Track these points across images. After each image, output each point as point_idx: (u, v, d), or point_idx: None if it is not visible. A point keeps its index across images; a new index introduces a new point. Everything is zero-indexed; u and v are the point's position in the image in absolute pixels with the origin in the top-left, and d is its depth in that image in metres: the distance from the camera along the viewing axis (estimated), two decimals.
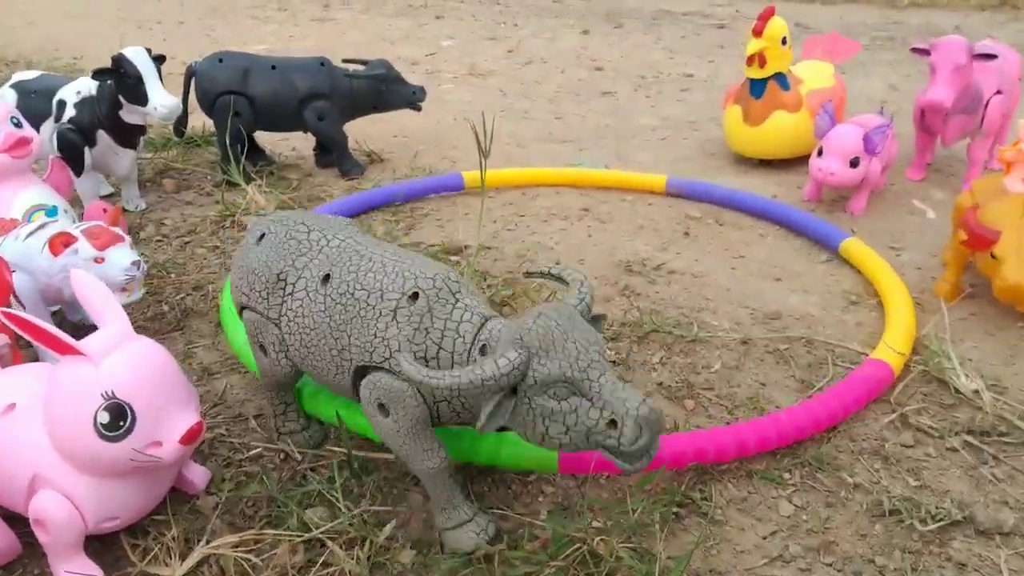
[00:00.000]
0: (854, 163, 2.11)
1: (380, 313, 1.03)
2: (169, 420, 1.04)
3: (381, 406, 1.06)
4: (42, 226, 1.52)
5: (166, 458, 1.03)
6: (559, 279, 1.10)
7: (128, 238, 1.52)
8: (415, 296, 1.03)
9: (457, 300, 1.03)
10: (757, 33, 2.38)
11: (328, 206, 2.20)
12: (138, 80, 1.98)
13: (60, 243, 1.45)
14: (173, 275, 1.89)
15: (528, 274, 1.18)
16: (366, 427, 1.26)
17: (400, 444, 1.08)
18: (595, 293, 1.77)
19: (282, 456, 1.29)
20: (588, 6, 6.64)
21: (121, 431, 1.00)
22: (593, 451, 0.95)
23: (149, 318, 1.70)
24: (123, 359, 1.03)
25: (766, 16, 2.37)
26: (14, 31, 5.61)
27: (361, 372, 1.08)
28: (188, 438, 1.04)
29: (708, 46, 4.85)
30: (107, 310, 1.08)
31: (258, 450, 1.31)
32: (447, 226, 2.19)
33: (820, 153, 2.15)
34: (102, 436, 0.99)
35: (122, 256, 1.48)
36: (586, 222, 2.22)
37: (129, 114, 2.06)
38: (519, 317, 1.00)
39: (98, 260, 1.46)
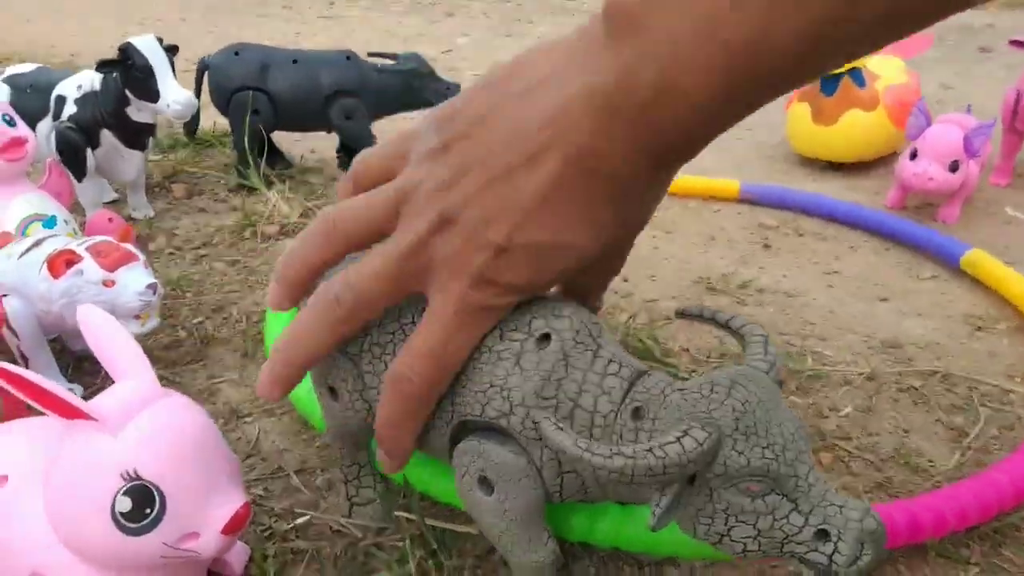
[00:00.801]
0: (953, 167, 1.88)
1: (499, 357, 0.79)
2: (208, 504, 0.79)
3: (484, 480, 0.82)
4: (39, 242, 1.28)
5: (205, 553, 0.79)
6: (728, 328, 0.85)
7: (142, 256, 1.28)
8: (545, 338, 0.78)
9: (599, 347, 0.78)
10: None
11: None
12: (148, 73, 1.74)
13: (62, 263, 1.21)
14: (189, 294, 1.65)
15: (681, 314, 0.93)
16: (448, 492, 1.02)
17: (503, 530, 0.83)
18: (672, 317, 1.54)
19: (335, 528, 1.05)
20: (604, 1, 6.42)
21: (147, 521, 0.75)
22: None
23: (164, 347, 1.46)
24: (148, 426, 0.78)
25: None
26: (9, 28, 5.36)
27: (460, 431, 0.84)
28: (233, 526, 0.79)
29: None
30: (126, 358, 0.83)
31: (306, 518, 1.07)
32: None
33: (913, 156, 1.92)
34: (123, 528, 0.75)
35: (136, 278, 1.24)
36: (649, 231, 1.98)
37: (137, 111, 1.81)
38: (683, 379, 0.75)
39: (107, 283, 1.22)
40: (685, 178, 2.20)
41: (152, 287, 1.24)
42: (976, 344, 1.45)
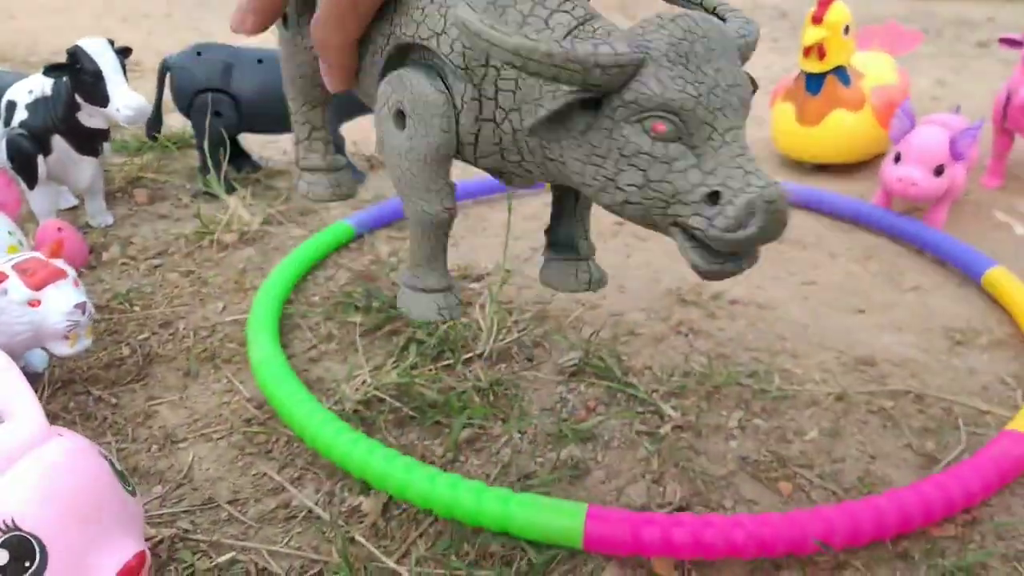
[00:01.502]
0: (938, 171, 1.80)
1: None
2: (99, 554, 0.73)
3: (400, 115, 0.78)
4: None
5: None
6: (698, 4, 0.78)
7: (72, 273, 1.21)
8: None
9: None
10: (817, 20, 2.07)
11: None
12: (97, 76, 1.67)
13: None
14: (137, 307, 1.59)
15: None
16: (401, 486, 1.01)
17: (404, 171, 0.79)
18: (643, 330, 1.47)
19: (261, 566, 0.99)
20: None
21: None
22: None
23: (104, 365, 1.39)
24: (31, 472, 0.72)
25: (827, 1, 2.06)
26: None
27: (394, 65, 0.80)
28: None
29: None
30: (10, 396, 0.77)
31: (231, 555, 1.01)
32: (461, 244, 1.88)
33: (897, 159, 1.85)
34: None
35: (63, 297, 1.17)
36: (622, 239, 1.91)
37: (89, 116, 1.75)
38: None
39: (33, 303, 1.16)
40: None
41: (81, 306, 1.18)
42: (955, 360, 1.38)
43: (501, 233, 1.94)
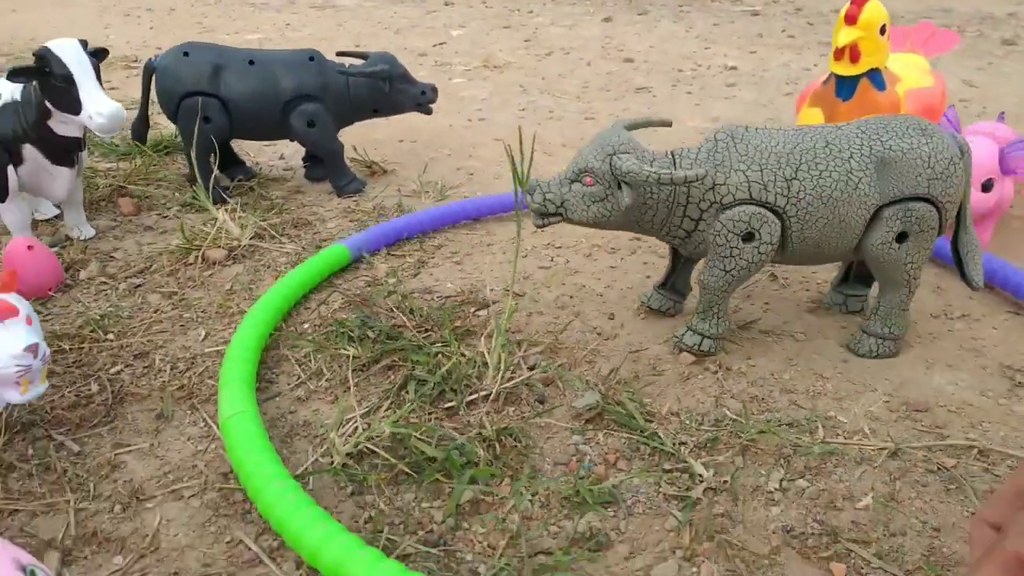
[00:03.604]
0: (986, 186, 1.65)
1: None
2: None
3: None
4: None
5: None
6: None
7: (25, 310, 1.08)
8: None
9: None
10: (851, 20, 1.91)
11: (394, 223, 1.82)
12: (68, 81, 1.52)
13: None
14: (112, 335, 1.45)
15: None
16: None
17: None
18: (667, 367, 1.33)
19: None
20: None
21: None
22: None
23: (69, 405, 1.26)
24: None
25: (862, 0, 1.91)
26: None
27: None
28: None
29: (747, 35, 4.37)
30: None
31: None
32: (465, 262, 1.74)
33: None
34: None
35: (12, 339, 1.03)
36: (640, 256, 1.76)
37: (61, 124, 1.61)
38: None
39: None
40: None
41: (32, 349, 1.04)
42: (1017, 406, 1.23)
43: (509, 248, 1.79)
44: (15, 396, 1.06)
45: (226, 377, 1.21)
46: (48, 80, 1.53)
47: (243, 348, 1.29)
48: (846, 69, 1.98)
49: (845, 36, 1.92)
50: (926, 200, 1.22)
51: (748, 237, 1.22)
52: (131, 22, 5.11)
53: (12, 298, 1.07)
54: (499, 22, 4.92)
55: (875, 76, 1.99)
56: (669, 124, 1.41)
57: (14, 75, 1.51)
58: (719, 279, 1.26)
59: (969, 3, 5.37)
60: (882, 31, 1.95)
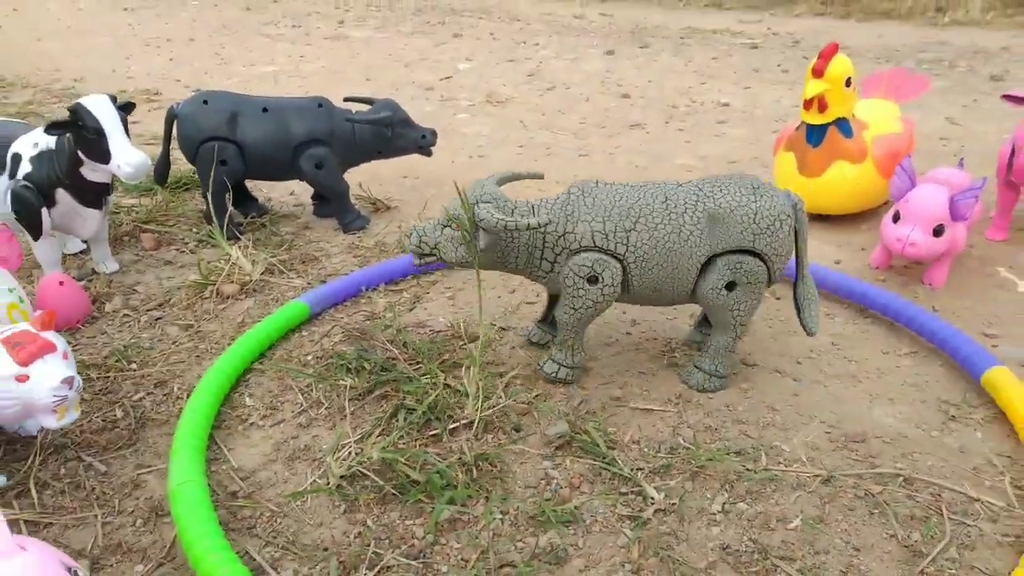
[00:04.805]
0: (938, 231, 1.79)
1: None
2: None
3: None
4: None
5: None
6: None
7: (62, 345, 1.23)
8: None
9: None
10: (818, 73, 2.06)
11: None
12: (99, 134, 1.69)
13: None
14: (135, 365, 1.60)
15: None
16: None
17: None
18: (634, 399, 1.47)
19: None
20: (612, 23, 6.34)
21: None
22: None
23: (97, 429, 1.41)
24: None
25: (828, 54, 2.06)
26: (19, 48, 5.40)
27: None
28: None
29: (743, 69, 4.53)
30: None
31: None
32: (458, 297, 1.89)
33: (896, 218, 1.84)
34: None
35: (51, 372, 1.19)
36: None
37: (91, 171, 1.78)
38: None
39: (20, 378, 1.17)
40: None
41: (68, 381, 1.19)
42: (947, 438, 1.36)
43: (501, 284, 1.94)
44: (51, 423, 1.21)
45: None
46: (81, 133, 1.70)
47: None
48: (815, 118, 2.13)
49: (812, 88, 2.08)
50: (753, 254, 1.37)
51: (592, 280, 1.39)
52: (151, 52, 5.32)
53: (51, 335, 1.23)
54: (505, 55, 5.10)
55: (842, 124, 2.15)
56: (541, 177, 1.61)
57: (51, 129, 1.68)
58: (570, 316, 1.43)
59: (965, 35, 5.51)
60: (847, 83, 2.10)
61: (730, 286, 1.38)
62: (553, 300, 1.61)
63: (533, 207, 1.43)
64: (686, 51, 5.16)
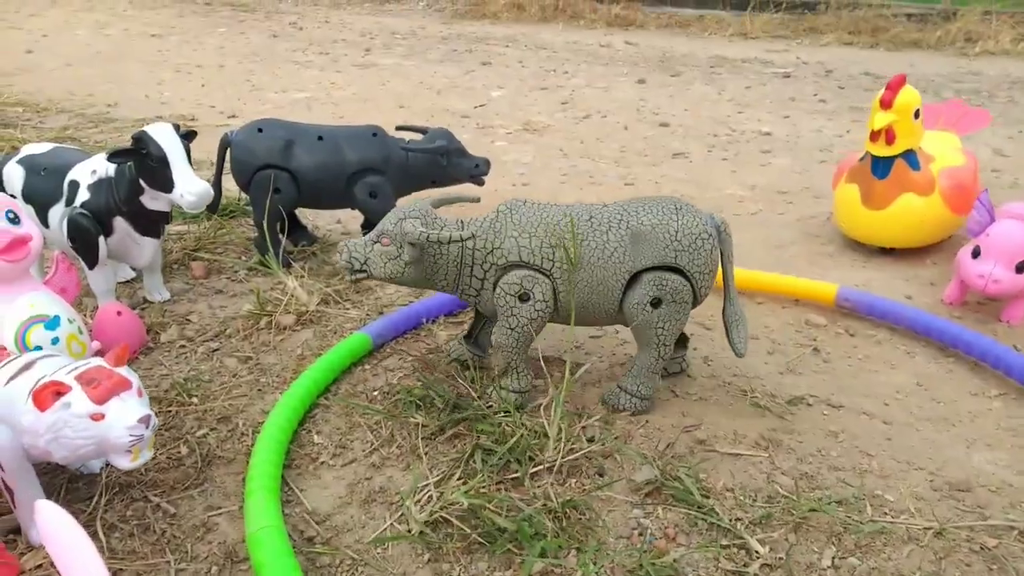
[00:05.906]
0: (1020, 267, 1.73)
1: None
2: None
3: None
4: (29, 364, 1.20)
5: None
6: None
7: (136, 382, 1.18)
8: None
9: None
10: (886, 105, 2.01)
11: None
12: (163, 163, 1.66)
13: (49, 394, 1.11)
14: (195, 399, 1.55)
15: None
16: None
17: None
18: (719, 443, 1.40)
19: None
20: (639, 52, 6.33)
21: None
22: None
23: (162, 468, 1.36)
24: None
25: (896, 85, 2.01)
26: (50, 74, 5.43)
27: None
28: None
29: (779, 99, 4.50)
30: (82, 570, 0.73)
31: None
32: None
33: (976, 254, 1.78)
34: None
35: (128, 411, 1.14)
36: (688, 328, 1.85)
37: (152, 200, 1.74)
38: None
39: (96, 417, 1.12)
40: (775, 276, 2.00)
41: (145, 420, 1.14)
42: None
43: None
44: (125, 463, 1.16)
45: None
46: (144, 161, 1.66)
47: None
48: (882, 150, 2.08)
49: (880, 120, 2.03)
50: (676, 271, 1.37)
51: (524, 297, 1.39)
52: (182, 78, 5.34)
53: (125, 371, 1.18)
54: (536, 83, 5.09)
55: (910, 157, 2.09)
56: (477, 200, 1.67)
57: (114, 157, 1.65)
58: (507, 337, 1.43)
59: (997, 65, 5.47)
60: (916, 115, 2.05)
61: (655, 303, 1.38)
62: (480, 318, 1.63)
63: (462, 223, 1.45)
64: (718, 80, 5.13)
